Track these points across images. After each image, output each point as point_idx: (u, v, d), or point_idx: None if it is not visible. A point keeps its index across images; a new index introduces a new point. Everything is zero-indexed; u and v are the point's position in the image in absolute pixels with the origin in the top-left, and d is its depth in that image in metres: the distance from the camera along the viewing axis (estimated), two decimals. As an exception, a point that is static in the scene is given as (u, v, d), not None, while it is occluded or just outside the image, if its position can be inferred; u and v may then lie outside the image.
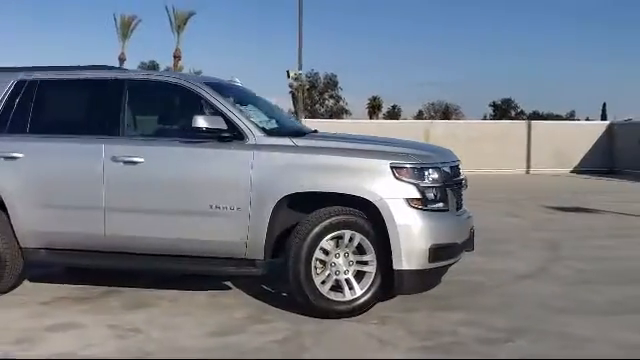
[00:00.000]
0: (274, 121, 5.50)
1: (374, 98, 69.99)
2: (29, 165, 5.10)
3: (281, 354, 4.02)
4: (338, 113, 60.21)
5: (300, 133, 5.30)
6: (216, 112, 4.92)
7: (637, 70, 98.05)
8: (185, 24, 46.33)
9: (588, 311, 4.95)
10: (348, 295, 4.69)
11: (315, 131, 5.68)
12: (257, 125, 4.96)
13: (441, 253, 4.67)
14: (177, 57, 46.05)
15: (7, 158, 5.13)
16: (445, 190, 4.76)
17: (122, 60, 46.01)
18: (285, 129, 5.45)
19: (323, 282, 4.67)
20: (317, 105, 61.96)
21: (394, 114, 70.43)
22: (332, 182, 4.66)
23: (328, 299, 4.66)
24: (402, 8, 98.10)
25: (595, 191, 14.95)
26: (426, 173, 4.67)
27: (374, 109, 69.38)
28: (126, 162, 4.92)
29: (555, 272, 6.33)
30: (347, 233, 4.67)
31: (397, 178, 4.59)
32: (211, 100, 5.00)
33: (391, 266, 4.65)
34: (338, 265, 4.70)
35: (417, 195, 4.59)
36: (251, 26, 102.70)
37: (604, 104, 76.81)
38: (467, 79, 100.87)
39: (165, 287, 5.58)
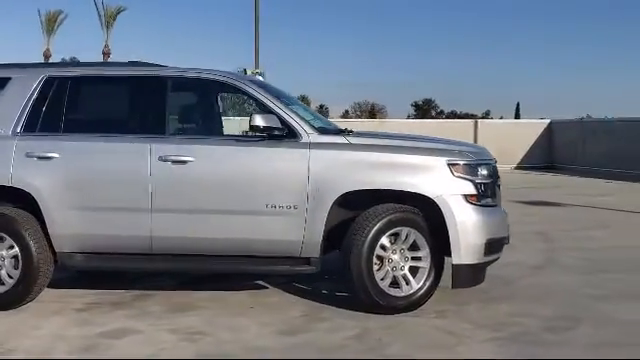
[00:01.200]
0: (316, 119, 5.50)
1: (302, 97, 70.70)
2: (66, 165, 4.86)
3: (364, 350, 4.06)
4: (265, 112, 59.88)
5: (344, 131, 5.32)
6: (267, 110, 4.87)
7: (547, 71, 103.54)
8: (114, 20, 44.85)
9: (625, 297, 5.26)
10: (405, 290, 4.77)
11: (351, 130, 5.74)
12: (309, 123, 4.96)
13: (494, 247, 4.84)
14: (106, 54, 44.51)
15: (41, 158, 4.87)
16: (494, 186, 4.93)
17: (47, 56, 44.00)
18: (329, 127, 5.46)
19: (382, 278, 4.74)
20: (245, 104, 61.57)
21: (322, 113, 71.21)
22: (391, 179, 4.73)
23: (388, 295, 4.73)
24: (327, 9, 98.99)
25: (548, 186, 15.68)
26: (479, 170, 4.82)
27: (301, 109, 70.01)
28: (175, 162, 4.79)
29: (564, 262, 6.66)
30: (404, 230, 4.75)
31: (454, 175, 4.72)
32: (261, 98, 4.95)
33: (443, 261, 4.80)
34: (395, 261, 4.78)
35: (473, 191, 4.73)
36: (194, 22, 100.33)
37: (517, 104, 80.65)
38: (390, 80, 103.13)
39: (192, 289, 5.50)
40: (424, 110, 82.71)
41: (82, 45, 62.07)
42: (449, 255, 4.80)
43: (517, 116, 67.89)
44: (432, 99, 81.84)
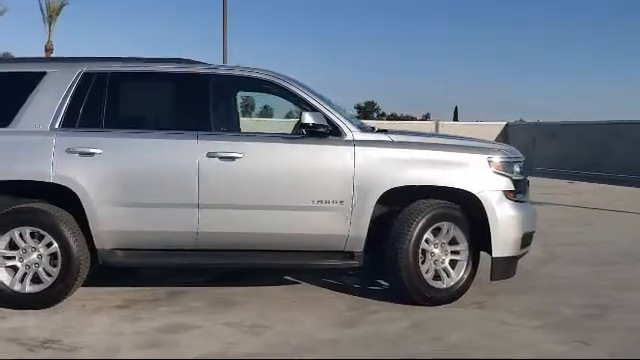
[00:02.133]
0: (352, 118, 5.62)
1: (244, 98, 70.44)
2: (110, 162, 4.81)
3: (428, 340, 4.22)
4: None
5: (379, 129, 5.45)
6: (312, 108, 4.97)
7: (483, 76, 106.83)
8: (58, 15, 43.32)
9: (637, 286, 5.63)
10: (447, 283, 4.97)
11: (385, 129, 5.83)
12: (351, 121, 5.08)
13: (527, 240, 5.12)
14: (49, 50, 42.93)
15: (83, 154, 4.80)
16: (524, 182, 5.20)
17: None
18: (365, 125, 5.59)
19: (427, 271, 4.91)
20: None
21: (267, 114, 71.11)
22: (436, 176, 4.91)
23: (432, 287, 4.91)
24: (267, 9, 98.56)
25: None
26: (514, 166, 5.08)
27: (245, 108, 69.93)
28: (223, 158, 4.82)
29: (566, 256, 7.02)
30: (445, 225, 4.95)
31: (494, 171, 4.95)
32: (306, 97, 5.04)
33: (479, 254, 5.04)
34: (436, 255, 4.96)
35: (511, 187, 4.98)
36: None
37: (456, 107, 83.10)
38: (334, 81, 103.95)
39: (221, 285, 5.51)
40: (366, 112, 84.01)
41: (27, 41, 59.24)
42: (483, 248, 5.05)
43: (455, 119, 69.82)
44: (374, 101, 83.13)
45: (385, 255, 4.90)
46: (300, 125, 4.84)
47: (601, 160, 18.02)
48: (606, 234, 8.62)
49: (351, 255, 4.96)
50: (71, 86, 4.96)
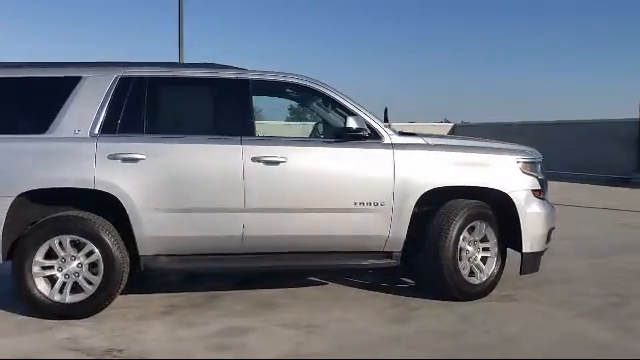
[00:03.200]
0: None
1: None
2: (154, 167, 4.77)
3: (482, 332, 4.44)
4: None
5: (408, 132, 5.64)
6: (348, 112, 5.10)
7: (412, 79, 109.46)
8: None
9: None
10: (480, 278, 5.22)
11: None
12: (387, 125, 5.25)
13: (550, 236, 5.44)
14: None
15: (126, 160, 4.74)
16: (545, 181, 5.52)
17: None
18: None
19: (463, 268, 5.14)
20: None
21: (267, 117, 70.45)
22: (471, 177, 5.15)
23: (468, 283, 5.15)
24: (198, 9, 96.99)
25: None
26: (538, 167, 5.39)
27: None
28: (268, 162, 4.88)
29: (561, 251, 7.33)
30: (479, 223, 5.19)
31: (523, 172, 5.24)
32: (344, 102, 5.17)
33: (506, 250, 5.33)
34: (470, 252, 5.20)
35: (537, 186, 5.29)
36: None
37: (386, 109, 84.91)
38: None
39: (252, 288, 5.58)
40: (297, 112, 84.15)
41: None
42: (509, 245, 5.34)
43: (386, 120, 71.18)
44: None
45: (426, 253, 5.09)
46: (344, 129, 4.96)
47: (547, 157, 18.88)
48: (582, 229, 9.13)
49: (390, 255, 5.13)
50: (109, 91, 4.89)
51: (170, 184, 4.79)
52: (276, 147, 4.96)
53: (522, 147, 5.62)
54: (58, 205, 4.85)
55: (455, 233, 5.03)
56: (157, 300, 5.23)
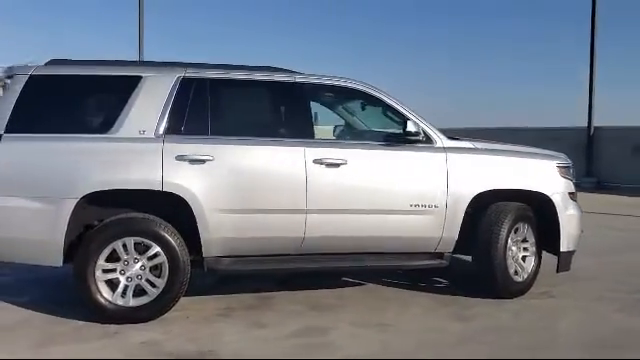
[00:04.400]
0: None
1: None
2: (221, 169, 4.77)
3: (542, 328, 4.69)
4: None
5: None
6: (402, 117, 5.26)
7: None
8: None
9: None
10: (522, 277, 5.49)
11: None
12: (438, 129, 5.44)
13: (580, 236, 5.78)
14: None
15: (194, 161, 4.72)
16: (575, 185, 5.87)
17: None
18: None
19: (509, 267, 5.40)
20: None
21: None
22: (518, 180, 5.42)
23: (514, 281, 5.41)
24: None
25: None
26: (571, 171, 5.73)
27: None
28: (329, 164, 4.97)
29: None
30: (522, 224, 5.47)
31: (561, 175, 5.56)
32: (395, 106, 5.32)
33: (541, 250, 5.64)
34: (514, 251, 5.47)
35: (572, 189, 5.64)
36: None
37: (315, 113, 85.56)
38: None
39: (292, 289, 5.63)
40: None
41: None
42: (545, 245, 5.65)
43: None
44: None
45: (477, 254, 5.33)
46: (402, 133, 5.12)
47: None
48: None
49: (441, 255, 5.32)
50: (171, 92, 4.84)
51: (235, 186, 4.79)
52: (336, 149, 5.05)
53: (555, 152, 5.95)
54: (116, 207, 4.75)
55: (505, 234, 5.28)
56: (209, 302, 5.21)
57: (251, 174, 4.86)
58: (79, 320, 4.63)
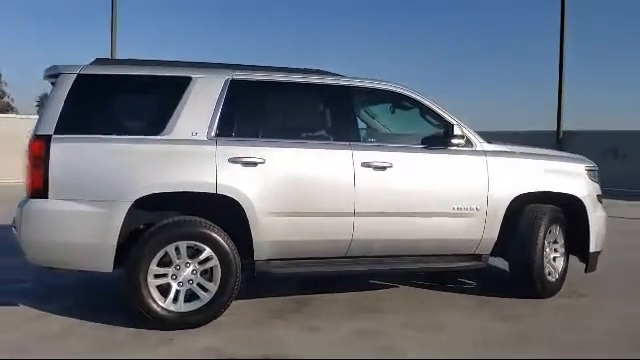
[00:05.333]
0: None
1: (46, 96, 66.58)
2: (273, 171, 4.73)
3: (587, 328, 4.83)
4: (2, 109, 54.41)
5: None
6: (443, 121, 5.34)
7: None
8: None
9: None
10: (554, 277, 5.64)
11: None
12: (476, 133, 5.54)
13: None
14: None
15: (247, 164, 4.67)
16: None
17: None
18: None
19: (544, 268, 5.53)
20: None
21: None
22: (553, 183, 5.57)
23: (549, 281, 5.55)
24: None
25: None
26: (597, 174, 5.93)
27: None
28: (376, 168, 4.99)
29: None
30: (554, 226, 5.62)
31: (589, 178, 5.75)
32: (436, 110, 5.39)
33: (569, 250, 5.80)
34: (547, 253, 5.61)
35: (599, 192, 5.84)
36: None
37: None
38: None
39: (331, 292, 5.64)
40: None
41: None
42: (572, 245, 5.81)
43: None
44: None
45: (516, 255, 5.45)
46: (452, 136, 5.18)
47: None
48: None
49: (479, 257, 5.42)
50: (221, 94, 4.78)
51: (286, 188, 4.77)
52: (382, 152, 5.08)
53: (582, 156, 6.13)
54: (162, 210, 4.65)
55: (542, 236, 5.42)
56: (252, 306, 5.15)
57: (301, 177, 4.84)
58: (126, 327, 4.53)
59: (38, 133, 4.40)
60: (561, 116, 19.10)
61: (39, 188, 4.34)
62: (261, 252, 4.76)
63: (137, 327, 4.51)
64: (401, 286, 5.96)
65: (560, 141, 18.80)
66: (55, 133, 4.38)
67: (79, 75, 4.54)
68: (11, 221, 5.11)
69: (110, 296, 5.51)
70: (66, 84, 4.50)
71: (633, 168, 16.68)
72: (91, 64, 4.75)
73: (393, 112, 5.63)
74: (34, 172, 4.37)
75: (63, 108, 4.44)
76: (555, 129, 19.21)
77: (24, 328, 4.54)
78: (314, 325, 4.71)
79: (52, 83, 4.84)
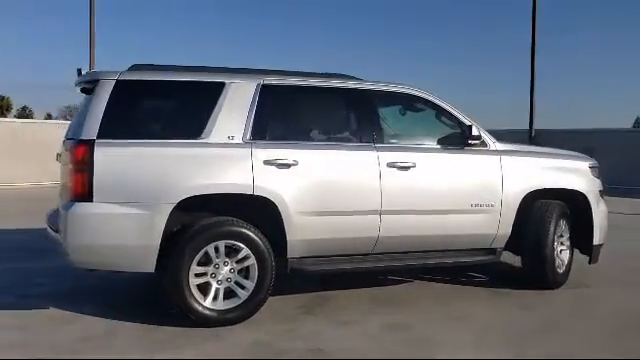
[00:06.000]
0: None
1: (2, 98, 65.88)
2: (305, 173, 4.92)
3: (612, 313, 5.17)
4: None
5: None
6: (457, 121, 5.61)
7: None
8: None
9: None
10: (562, 269, 5.97)
11: None
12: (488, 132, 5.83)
13: (605, 231, 6.35)
14: None
15: (281, 166, 4.85)
16: (601, 184, 6.44)
17: None
18: None
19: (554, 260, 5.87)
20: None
21: (25, 115, 66.02)
22: (561, 179, 5.90)
23: (558, 273, 5.88)
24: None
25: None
26: (598, 171, 6.29)
27: (2, 109, 65.89)
28: (400, 167, 5.23)
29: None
30: (561, 221, 5.95)
31: (592, 175, 6.11)
32: (454, 112, 5.66)
33: (573, 243, 6.15)
34: (555, 246, 5.93)
35: (601, 187, 6.20)
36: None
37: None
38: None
39: (345, 288, 5.85)
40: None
41: None
42: (575, 239, 6.16)
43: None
44: None
45: (529, 249, 5.77)
46: (471, 137, 5.46)
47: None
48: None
49: (494, 251, 5.72)
50: (254, 98, 4.95)
51: (318, 189, 4.97)
52: (405, 153, 5.33)
53: (584, 155, 6.49)
54: (198, 212, 4.78)
55: (553, 230, 5.74)
56: (278, 302, 5.27)
57: (331, 177, 5.05)
58: (166, 326, 4.64)
59: (81, 138, 4.50)
60: (533, 115, 19.72)
61: (84, 192, 4.44)
62: (294, 250, 4.94)
63: (175, 326, 4.63)
64: (415, 281, 6.20)
65: (532, 139, 19.41)
66: (98, 138, 4.49)
67: (118, 81, 4.65)
68: (46, 221, 5.22)
69: (134, 297, 5.68)
70: (106, 90, 4.61)
71: (606, 164, 17.34)
72: (128, 70, 4.86)
73: (404, 114, 5.87)
74: (78, 176, 4.46)
75: (104, 113, 4.54)
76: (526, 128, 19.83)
77: (64, 330, 4.60)
78: (343, 319, 4.89)
79: (84, 90, 4.95)
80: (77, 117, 5.27)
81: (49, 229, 5.03)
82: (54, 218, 5.02)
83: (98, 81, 4.67)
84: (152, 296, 5.58)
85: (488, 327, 4.79)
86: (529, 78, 19.70)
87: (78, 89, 5.28)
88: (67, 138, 5.41)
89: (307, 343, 4.36)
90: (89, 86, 4.86)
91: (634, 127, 55.50)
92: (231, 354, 4.16)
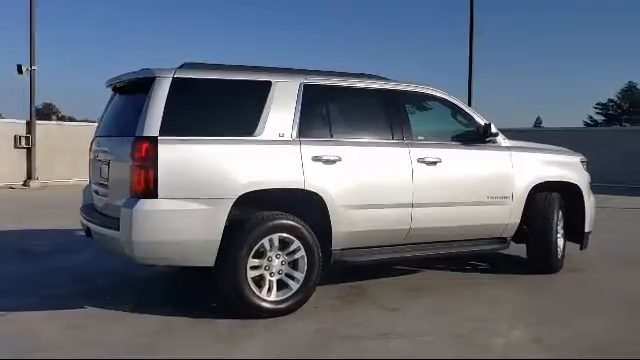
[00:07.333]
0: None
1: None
2: (348, 168, 5.16)
3: (615, 292, 5.75)
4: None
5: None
6: (473, 120, 6.05)
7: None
8: None
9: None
10: (559, 255, 6.53)
11: None
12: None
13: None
14: None
15: (327, 162, 5.08)
16: (585, 177, 7.07)
17: None
18: None
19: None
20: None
21: None
22: (562, 173, 6.47)
23: (558, 259, 6.44)
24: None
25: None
26: (587, 165, 6.92)
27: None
28: (429, 163, 5.59)
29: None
30: (561, 211, 6.52)
31: (583, 169, 6.73)
32: (466, 110, 6.10)
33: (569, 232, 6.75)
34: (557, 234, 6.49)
35: (590, 180, 6.83)
36: None
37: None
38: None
39: (369, 278, 6.13)
40: (44, 114, 78.74)
41: None
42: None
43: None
44: (52, 103, 77.28)
45: (535, 237, 6.28)
46: (489, 134, 5.90)
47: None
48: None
49: (504, 240, 6.20)
50: (298, 97, 5.14)
51: (360, 183, 5.24)
52: (432, 149, 5.69)
53: (573, 151, 7.10)
54: (250, 206, 4.87)
55: (556, 219, 6.29)
56: (315, 294, 5.46)
57: (371, 173, 5.34)
58: (219, 319, 4.74)
59: (144, 135, 4.53)
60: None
61: (148, 188, 4.48)
62: (338, 242, 5.18)
63: (228, 318, 4.74)
64: (426, 270, 6.57)
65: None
66: (160, 135, 4.54)
67: (174, 79, 4.71)
68: (83, 219, 5.21)
69: (168, 291, 5.78)
70: (163, 87, 4.65)
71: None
72: (180, 68, 4.91)
73: (426, 112, 6.25)
74: (141, 173, 4.49)
75: (164, 110, 4.59)
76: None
77: (117, 328, 4.57)
78: (388, 306, 5.18)
79: (118, 88, 4.98)
80: (119, 114, 5.27)
81: (92, 225, 5.02)
82: (99, 214, 5.04)
83: (154, 79, 4.70)
84: (173, 290, 5.79)
85: (522, 308, 5.26)
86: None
87: (112, 87, 5.29)
88: (100, 136, 5.40)
89: (370, 329, 4.59)
90: (140, 83, 4.86)
91: (535, 126, 58.84)
92: (303, 341, 4.33)
